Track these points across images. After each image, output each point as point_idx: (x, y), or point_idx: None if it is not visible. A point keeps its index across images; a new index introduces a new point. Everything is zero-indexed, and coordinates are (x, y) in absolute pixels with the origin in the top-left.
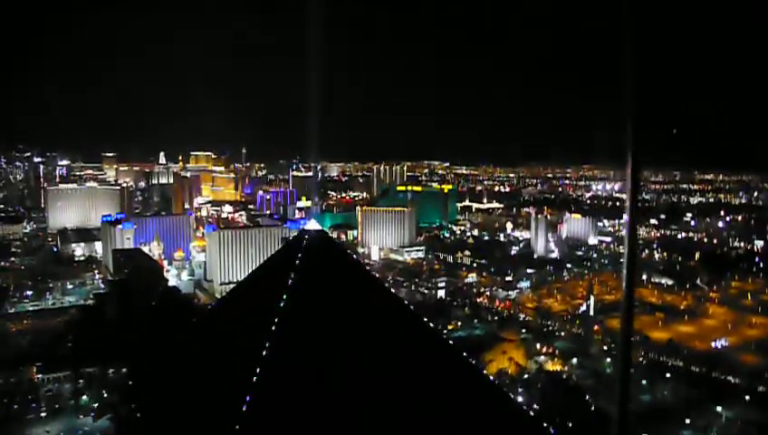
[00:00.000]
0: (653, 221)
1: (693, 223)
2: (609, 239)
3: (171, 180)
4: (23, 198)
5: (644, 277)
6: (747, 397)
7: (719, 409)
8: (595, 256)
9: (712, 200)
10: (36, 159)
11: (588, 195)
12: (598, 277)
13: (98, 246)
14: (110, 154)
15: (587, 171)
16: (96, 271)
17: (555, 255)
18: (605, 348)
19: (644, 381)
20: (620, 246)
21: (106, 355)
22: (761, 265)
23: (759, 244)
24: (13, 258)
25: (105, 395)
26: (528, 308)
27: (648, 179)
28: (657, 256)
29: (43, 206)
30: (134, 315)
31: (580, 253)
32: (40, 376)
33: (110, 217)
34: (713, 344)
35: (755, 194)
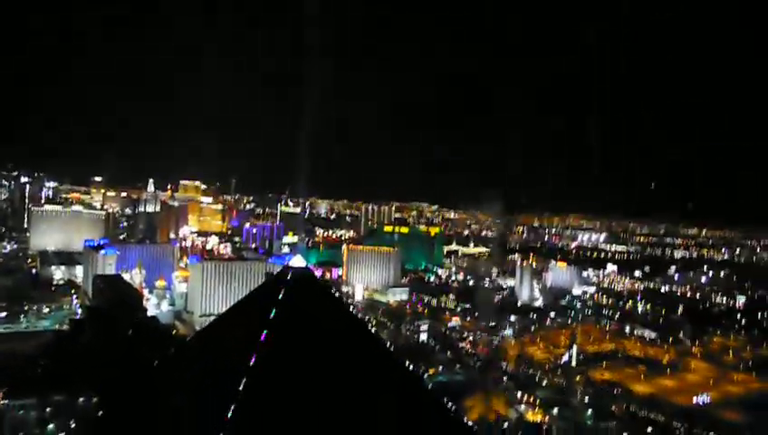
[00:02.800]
0: (637, 273)
1: (676, 277)
2: (592, 289)
3: (158, 208)
4: (5, 218)
5: (627, 329)
6: None
7: None
8: (579, 305)
9: (695, 255)
10: (23, 179)
11: (573, 244)
12: (581, 327)
13: (79, 270)
14: (99, 179)
15: (573, 221)
16: (75, 296)
17: (539, 303)
18: (586, 399)
19: (625, 434)
20: (604, 297)
21: (77, 383)
22: (742, 321)
23: (741, 300)
24: None
25: (73, 425)
26: (511, 355)
27: (633, 231)
28: (640, 308)
29: (26, 226)
30: (109, 344)
31: (563, 302)
32: (6, 401)
33: (92, 241)
34: (694, 400)
35: (737, 251)
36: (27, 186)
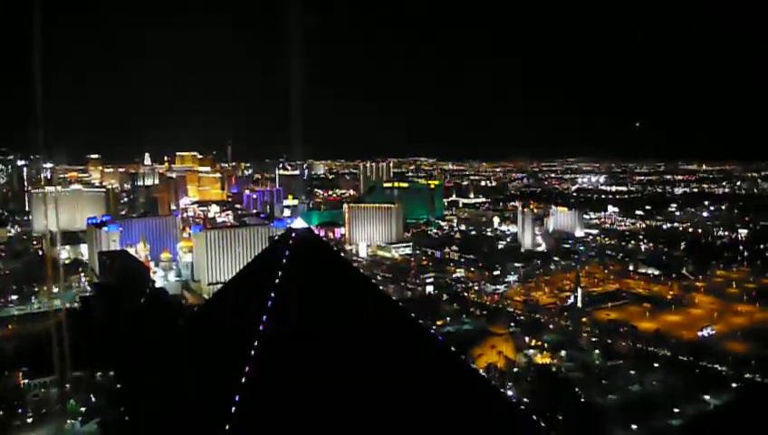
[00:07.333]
0: (638, 212)
1: (677, 213)
2: (595, 232)
3: (157, 181)
4: (6, 202)
5: (630, 268)
6: (734, 385)
7: (707, 397)
8: (582, 248)
9: (696, 190)
10: (19, 163)
11: (574, 188)
12: (585, 270)
13: (83, 248)
14: (95, 156)
15: (572, 164)
16: (82, 274)
17: (542, 248)
18: (593, 340)
19: (632, 372)
20: (607, 239)
21: (93, 359)
22: (745, 253)
23: (743, 233)
24: None
25: (92, 399)
26: (516, 302)
27: (633, 171)
28: (642, 246)
29: (27, 209)
30: (121, 318)
31: (567, 246)
32: (26, 381)
33: (95, 219)
34: (699, 333)
35: (738, 183)
36: (24, 169)
